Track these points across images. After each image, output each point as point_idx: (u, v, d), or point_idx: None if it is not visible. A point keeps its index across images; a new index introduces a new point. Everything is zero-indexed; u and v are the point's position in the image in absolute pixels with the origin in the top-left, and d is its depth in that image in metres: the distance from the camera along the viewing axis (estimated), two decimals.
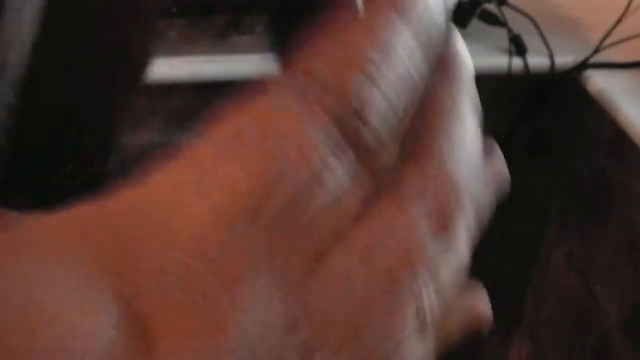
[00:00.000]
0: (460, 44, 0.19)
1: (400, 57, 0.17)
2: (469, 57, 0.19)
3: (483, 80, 1.20)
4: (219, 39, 1.13)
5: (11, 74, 0.15)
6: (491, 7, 1.20)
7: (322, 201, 0.15)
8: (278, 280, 0.15)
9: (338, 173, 0.16)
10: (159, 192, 0.15)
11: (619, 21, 1.18)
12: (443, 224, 0.17)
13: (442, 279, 0.17)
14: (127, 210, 0.14)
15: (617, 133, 1.08)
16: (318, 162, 0.15)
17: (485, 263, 1.40)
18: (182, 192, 0.15)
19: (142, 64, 0.19)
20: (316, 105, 0.16)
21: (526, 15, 1.20)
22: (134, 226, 0.14)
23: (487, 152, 0.18)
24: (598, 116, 1.14)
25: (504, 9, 1.20)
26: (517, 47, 1.17)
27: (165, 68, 1.08)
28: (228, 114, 0.16)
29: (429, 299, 0.17)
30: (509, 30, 1.18)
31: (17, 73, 0.15)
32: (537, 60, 1.17)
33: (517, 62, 1.17)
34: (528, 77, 1.18)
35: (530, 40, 1.18)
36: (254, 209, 0.15)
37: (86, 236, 0.14)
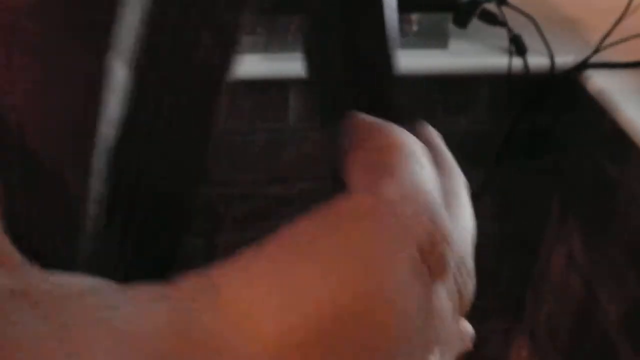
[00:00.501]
0: (433, 133, 0.20)
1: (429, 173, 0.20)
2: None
3: (483, 80, 1.21)
4: None
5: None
6: (491, 7, 1.20)
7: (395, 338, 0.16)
8: None
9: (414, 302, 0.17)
10: (232, 302, 0.15)
11: (619, 21, 1.18)
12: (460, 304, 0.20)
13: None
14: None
15: (617, 133, 1.08)
16: (400, 304, 0.16)
17: (485, 263, 1.41)
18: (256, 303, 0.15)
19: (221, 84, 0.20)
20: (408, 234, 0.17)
21: (526, 15, 1.20)
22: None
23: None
24: (598, 116, 1.14)
25: (504, 9, 1.20)
26: (517, 47, 1.17)
27: None
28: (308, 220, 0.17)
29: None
30: (509, 30, 1.18)
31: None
32: (537, 60, 1.17)
33: (517, 62, 1.17)
34: (528, 77, 1.18)
35: (530, 40, 1.18)
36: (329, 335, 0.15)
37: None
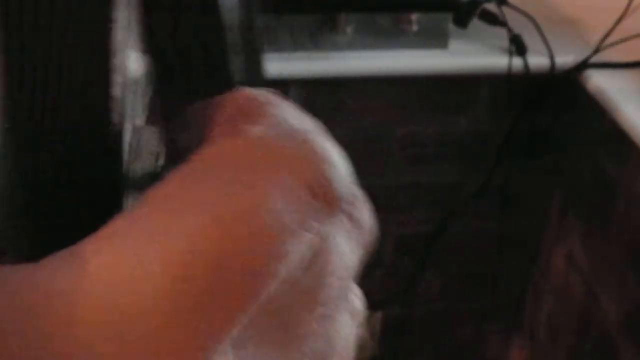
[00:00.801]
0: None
1: None
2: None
3: (483, 80, 1.21)
4: None
5: None
6: (491, 7, 1.20)
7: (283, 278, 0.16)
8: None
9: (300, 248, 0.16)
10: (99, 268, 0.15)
11: (619, 21, 1.18)
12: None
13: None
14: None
15: (617, 133, 1.08)
16: (280, 238, 0.15)
17: (485, 263, 1.40)
18: (122, 267, 0.15)
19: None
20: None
21: (526, 15, 1.20)
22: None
23: (351, 202, 0.18)
24: (598, 116, 1.14)
25: (504, 9, 1.20)
26: (517, 47, 1.17)
27: None
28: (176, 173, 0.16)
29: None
30: (509, 30, 1.18)
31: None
32: (537, 60, 1.17)
33: (517, 62, 1.17)
34: (528, 77, 1.18)
35: (530, 40, 1.18)
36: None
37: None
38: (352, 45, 1.16)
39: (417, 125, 1.26)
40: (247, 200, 0.15)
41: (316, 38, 1.15)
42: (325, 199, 0.17)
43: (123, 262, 0.15)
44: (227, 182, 0.16)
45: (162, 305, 0.14)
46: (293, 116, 0.17)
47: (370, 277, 1.44)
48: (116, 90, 0.17)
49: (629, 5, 1.18)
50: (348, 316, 0.20)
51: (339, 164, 0.18)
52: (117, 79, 0.17)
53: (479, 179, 1.31)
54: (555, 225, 1.38)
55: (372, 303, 1.52)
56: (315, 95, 1.20)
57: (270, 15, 1.13)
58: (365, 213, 0.19)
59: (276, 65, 1.14)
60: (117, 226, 0.15)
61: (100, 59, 0.16)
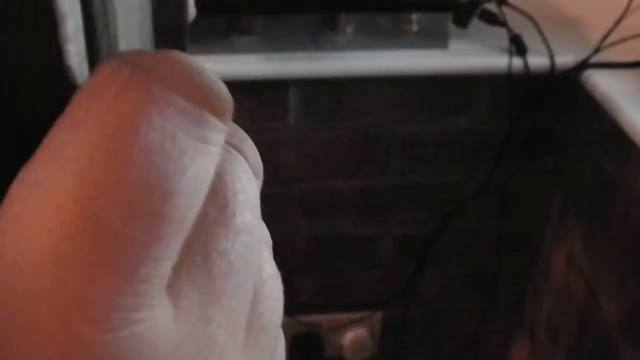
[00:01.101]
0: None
1: None
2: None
3: (483, 80, 1.21)
4: (219, 39, 1.13)
5: None
6: (491, 7, 1.20)
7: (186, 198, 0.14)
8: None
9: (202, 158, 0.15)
10: None
11: (619, 21, 1.18)
12: None
13: None
14: None
15: (617, 133, 1.08)
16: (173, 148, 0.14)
17: (485, 263, 1.40)
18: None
19: None
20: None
21: (526, 15, 1.20)
22: None
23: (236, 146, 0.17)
24: (598, 116, 1.14)
25: (504, 9, 1.20)
26: (517, 47, 1.17)
27: None
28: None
29: None
30: (509, 30, 1.18)
31: None
32: (537, 60, 1.17)
33: (517, 62, 1.17)
34: (528, 77, 1.18)
35: (530, 40, 1.18)
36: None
37: None
38: (352, 45, 1.16)
39: (417, 125, 1.26)
40: (122, 122, 0.14)
41: (316, 38, 1.15)
42: (215, 113, 0.15)
43: (19, 225, 0.14)
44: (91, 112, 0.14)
45: (63, 249, 0.13)
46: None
47: (370, 277, 1.44)
48: (72, 60, 0.16)
49: (629, 5, 1.18)
50: (267, 248, 0.19)
51: (224, 92, 0.16)
52: (72, 48, 0.16)
53: (479, 179, 1.31)
54: (555, 225, 1.38)
55: (372, 303, 1.52)
56: (315, 95, 1.20)
57: (270, 15, 1.13)
58: (249, 144, 0.18)
59: (276, 65, 1.14)
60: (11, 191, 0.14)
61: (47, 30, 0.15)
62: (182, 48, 0.24)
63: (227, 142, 0.16)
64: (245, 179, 0.16)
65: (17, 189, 0.14)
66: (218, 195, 0.16)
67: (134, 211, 0.14)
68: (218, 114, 0.15)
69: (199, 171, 0.14)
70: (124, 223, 0.13)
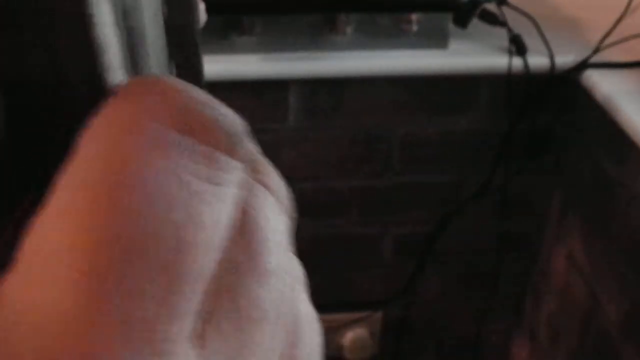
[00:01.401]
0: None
1: None
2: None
3: (483, 80, 1.21)
4: (219, 39, 1.13)
5: None
6: (491, 7, 1.20)
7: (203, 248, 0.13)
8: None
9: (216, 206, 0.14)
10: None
11: (619, 21, 1.18)
12: None
13: None
14: None
15: (617, 133, 1.08)
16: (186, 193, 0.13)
17: (485, 263, 1.40)
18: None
19: None
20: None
21: (526, 15, 1.20)
22: None
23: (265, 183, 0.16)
24: (598, 116, 1.14)
25: (504, 9, 1.20)
26: (517, 47, 1.17)
27: None
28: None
29: None
30: (509, 30, 1.18)
31: None
32: (537, 60, 1.17)
33: (517, 62, 1.17)
34: (528, 77, 1.18)
35: (530, 40, 1.18)
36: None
37: None
38: (352, 45, 1.16)
39: (417, 125, 1.26)
40: (126, 170, 0.13)
41: (316, 38, 1.15)
42: (225, 150, 0.14)
43: (30, 287, 0.13)
44: (105, 158, 0.13)
45: (75, 309, 0.12)
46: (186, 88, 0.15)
47: (370, 277, 1.44)
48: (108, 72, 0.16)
49: (629, 5, 1.18)
50: (301, 287, 0.18)
51: (239, 125, 0.15)
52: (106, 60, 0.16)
53: (479, 179, 1.31)
54: (555, 225, 1.38)
55: (372, 303, 1.52)
56: (315, 95, 1.20)
57: (270, 15, 1.13)
58: (274, 177, 0.17)
59: (276, 65, 1.14)
60: (21, 254, 0.13)
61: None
62: (195, 51, 0.23)
63: (249, 177, 0.16)
64: (273, 216, 0.16)
65: (30, 243, 0.13)
66: (245, 238, 0.15)
67: (146, 266, 0.13)
68: (229, 150, 0.14)
69: (214, 216, 0.14)
70: (136, 279, 0.13)
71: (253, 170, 0.16)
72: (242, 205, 0.15)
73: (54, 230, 0.13)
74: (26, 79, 0.15)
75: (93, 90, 0.15)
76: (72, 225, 0.13)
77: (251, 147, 0.16)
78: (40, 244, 0.13)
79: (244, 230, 0.15)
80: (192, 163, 0.14)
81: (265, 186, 0.16)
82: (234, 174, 0.14)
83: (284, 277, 0.15)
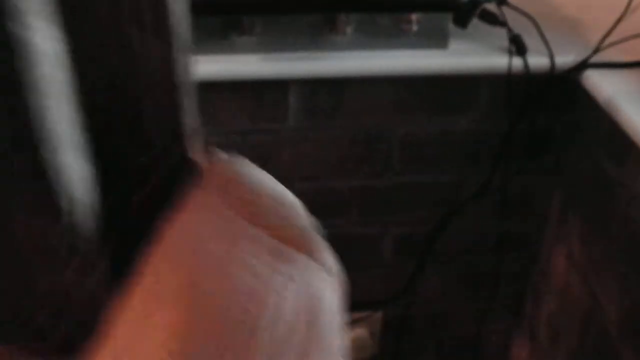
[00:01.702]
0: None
1: None
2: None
3: (483, 80, 1.21)
4: (219, 39, 1.13)
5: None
6: (491, 7, 1.20)
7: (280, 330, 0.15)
8: None
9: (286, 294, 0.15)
10: None
11: (619, 21, 1.18)
12: None
13: None
14: None
15: (617, 133, 1.08)
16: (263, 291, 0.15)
17: (485, 263, 1.40)
18: None
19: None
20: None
21: (526, 15, 1.20)
22: None
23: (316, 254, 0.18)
24: (598, 116, 1.14)
25: (504, 9, 1.20)
26: (517, 47, 1.17)
27: None
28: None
29: None
30: (509, 30, 1.18)
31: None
32: (537, 60, 1.17)
33: (517, 62, 1.17)
34: (528, 77, 1.18)
35: (530, 40, 1.18)
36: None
37: None
38: (352, 45, 1.16)
39: (417, 125, 1.26)
40: (217, 263, 0.15)
41: (316, 38, 1.15)
42: (293, 244, 0.17)
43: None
44: (196, 253, 0.16)
45: None
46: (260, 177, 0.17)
47: (370, 277, 1.44)
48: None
49: (629, 5, 1.18)
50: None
51: (301, 211, 0.18)
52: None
53: (479, 179, 1.31)
54: (555, 225, 1.38)
55: (372, 303, 1.52)
56: (315, 95, 1.20)
57: (270, 15, 1.13)
58: (330, 258, 0.19)
59: (276, 65, 1.14)
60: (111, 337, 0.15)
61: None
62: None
63: (312, 262, 0.17)
64: (331, 297, 0.17)
65: (123, 322, 0.15)
66: (315, 324, 0.16)
67: (223, 346, 0.14)
68: (300, 247, 0.16)
69: (280, 302, 0.15)
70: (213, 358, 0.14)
71: (312, 251, 0.18)
72: (305, 292, 0.16)
73: (146, 307, 0.15)
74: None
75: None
76: (162, 309, 0.15)
77: (312, 233, 0.18)
78: (132, 320, 0.14)
79: (312, 318, 0.17)
80: (270, 258, 0.16)
81: (322, 264, 0.18)
82: (303, 269, 0.16)
83: (340, 354, 0.17)
